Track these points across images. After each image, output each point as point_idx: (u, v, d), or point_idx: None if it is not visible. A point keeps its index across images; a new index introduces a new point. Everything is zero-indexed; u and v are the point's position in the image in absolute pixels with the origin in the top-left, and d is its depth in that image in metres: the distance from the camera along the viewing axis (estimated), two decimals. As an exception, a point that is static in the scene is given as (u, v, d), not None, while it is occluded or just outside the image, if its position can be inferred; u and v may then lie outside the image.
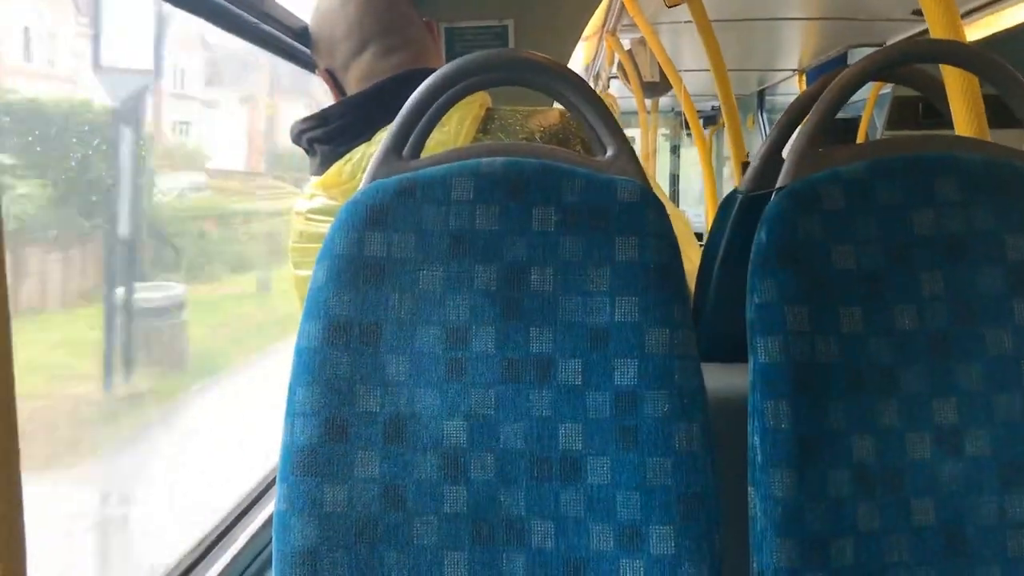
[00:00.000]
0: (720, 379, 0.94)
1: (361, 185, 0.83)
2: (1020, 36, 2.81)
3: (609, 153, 0.83)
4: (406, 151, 0.84)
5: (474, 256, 0.80)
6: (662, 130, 6.85)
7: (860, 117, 4.00)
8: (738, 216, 1.05)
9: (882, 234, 0.83)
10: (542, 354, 0.79)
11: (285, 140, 1.23)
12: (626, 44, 4.12)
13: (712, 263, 1.11)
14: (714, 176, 3.88)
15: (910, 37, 3.26)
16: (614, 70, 4.50)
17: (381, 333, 0.79)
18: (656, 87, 4.34)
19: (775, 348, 0.80)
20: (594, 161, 0.83)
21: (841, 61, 3.94)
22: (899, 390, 0.81)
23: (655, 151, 5.66)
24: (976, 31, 2.82)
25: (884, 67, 0.89)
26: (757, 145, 5.17)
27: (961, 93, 1.03)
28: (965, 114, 1.03)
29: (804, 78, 4.57)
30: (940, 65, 1.03)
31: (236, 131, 2.05)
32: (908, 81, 1.10)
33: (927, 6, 1.08)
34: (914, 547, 0.79)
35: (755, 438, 0.79)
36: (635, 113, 5.25)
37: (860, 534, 0.78)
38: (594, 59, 4.79)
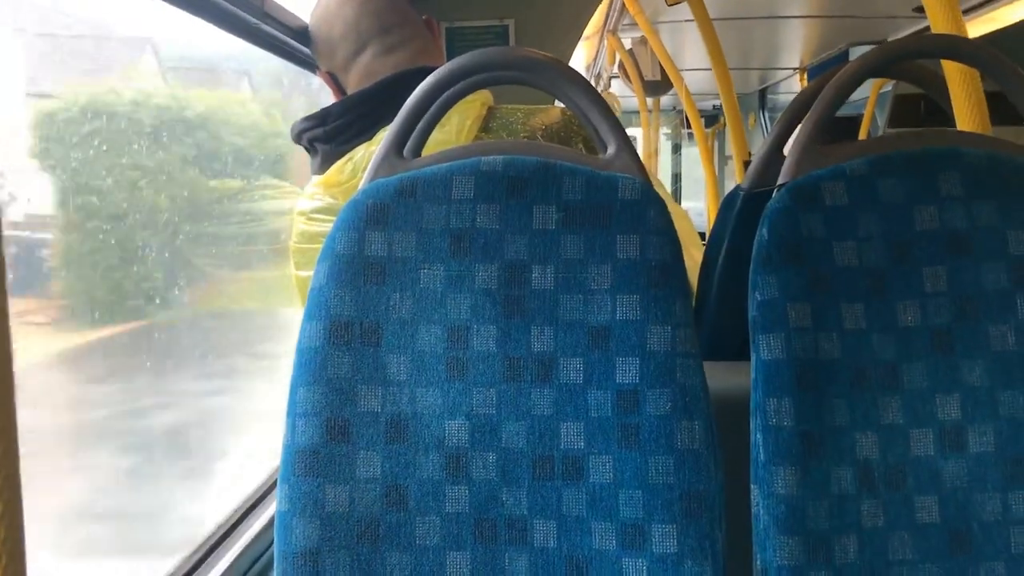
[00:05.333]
0: (722, 377, 0.94)
1: (362, 184, 0.83)
2: (1022, 32, 2.81)
3: (610, 151, 0.83)
4: (407, 150, 0.84)
5: (475, 255, 0.80)
6: (664, 129, 6.84)
7: (862, 115, 3.99)
8: (740, 213, 1.05)
9: (884, 230, 0.82)
10: (543, 353, 0.79)
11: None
12: (627, 43, 4.12)
13: (714, 260, 1.11)
14: (716, 175, 3.87)
15: (912, 34, 3.25)
16: (615, 69, 4.49)
17: (382, 332, 0.79)
18: (657, 86, 4.33)
19: (777, 345, 0.79)
20: (595, 159, 0.83)
21: (843, 59, 3.93)
22: (902, 387, 0.80)
23: (657, 150, 5.65)
24: (977, 28, 2.81)
25: (885, 62, 0.89)
26: (759, 144, 5.17)
27: (962, 89, 1.03)
28: (967, 110, 1.03)
29: (805, 76, 4.56)
30: (941, 61, 1.03)
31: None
32: (909, 77, 1.10)
33: (929, 2, 1.08)
34: (918, 544, 0.79)
35: (757, 435, 0.79)
36: (636, 112, 5.24)
37: (863, 531, 0.78)
38: (595, 58, 4.79)
